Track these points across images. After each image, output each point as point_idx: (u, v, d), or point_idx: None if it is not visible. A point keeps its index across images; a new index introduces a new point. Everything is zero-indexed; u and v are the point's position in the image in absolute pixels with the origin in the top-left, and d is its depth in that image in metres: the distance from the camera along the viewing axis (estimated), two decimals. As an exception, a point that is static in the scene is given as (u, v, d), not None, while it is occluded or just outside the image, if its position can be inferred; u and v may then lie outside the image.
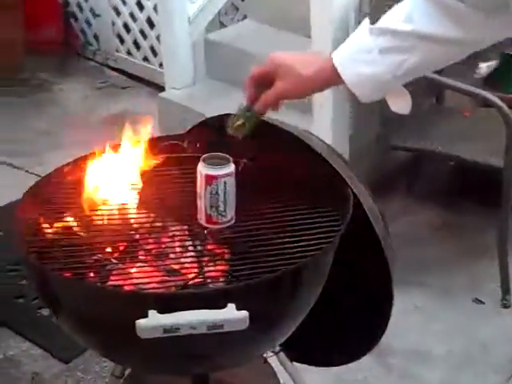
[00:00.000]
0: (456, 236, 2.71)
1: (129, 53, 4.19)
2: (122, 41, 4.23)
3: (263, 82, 1.34)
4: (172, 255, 1.38)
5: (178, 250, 1.40)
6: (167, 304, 1.12)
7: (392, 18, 1.24)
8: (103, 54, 4.37)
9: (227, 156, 1.36)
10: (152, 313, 1.08)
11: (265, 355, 1.68)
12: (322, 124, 2.54)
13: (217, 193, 1.34)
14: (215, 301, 1.12)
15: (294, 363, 1.69)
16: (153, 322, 1.07)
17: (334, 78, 1.26)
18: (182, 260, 1.36)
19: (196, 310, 1.09)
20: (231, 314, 1.09)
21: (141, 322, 1.07)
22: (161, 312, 1.09)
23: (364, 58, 1.23)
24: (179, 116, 3.14)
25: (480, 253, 2.62)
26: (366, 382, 2.12)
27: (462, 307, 2.41)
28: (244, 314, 1.09)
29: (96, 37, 4.38)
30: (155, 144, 1.57)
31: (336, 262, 1.38)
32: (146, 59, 4.08)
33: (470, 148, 2.51)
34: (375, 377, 2.14)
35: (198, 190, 1.37)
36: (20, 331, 2.31)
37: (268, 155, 1.50)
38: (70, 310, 1.26)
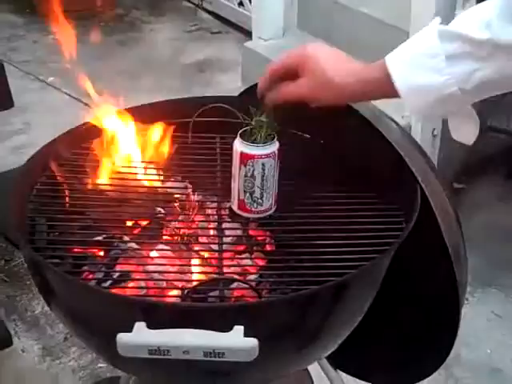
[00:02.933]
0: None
1: (225, -4, 3.98)
2: (219, -17, 4.03)
3: (286, 77, 1.09)
4: (202, 239, 1.18)
5: (211, 233, 1.19)
6: (160, 316, 0.90)
7: (467, 22, 0.96)
8: (199, -6, 4.18)
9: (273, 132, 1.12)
10: (139, 326, 0.87)
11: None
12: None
13: (252, 175, 1.11)
14: (220, 320, 0.89)
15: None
16: (136, 338, 0.85)
17: (382, 85, 1.01)
18: (212, 247, 1.15)
19: (193, 330, 0.86)
20: (236, 341, 0.86)
21: (122, 338, 0.85)
22: (150, 326, 0.87)
23: (426, 63, 0.97)
24: (263, 69, 2.89)
25: None
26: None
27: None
28: (252, 342, 0.86)
29: (194, -23, 4.19)
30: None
31: (399, 271, 1.13)
32: (241, 4, 3.85)
33: None
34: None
35: (233, 169, 1.14)
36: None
37: (334, 137, 1.27)
38: (57, 302, 1.06)
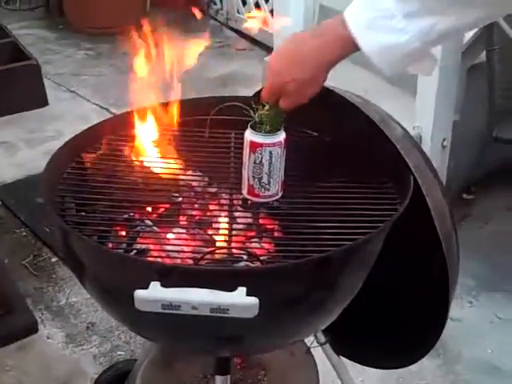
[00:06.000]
0: None
1: (249, 15, 4.12)
2: (244, 2, 4.17)
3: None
4: (215, 225, 1.29)
5: (223, 220, 1.30)
6: (172, 278, 1.02)
7: None
8: (225, 13, 4.33)
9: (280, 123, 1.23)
10: (154, 285, 0.99)
11: (308, 344, 1.57)
12: (425, 104, 2.34)
13: (261, 162, 1.22)
14: (226, 282, 1.01)
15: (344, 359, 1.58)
16: (152, 294, 0.97)
17: (348, 46, 1.08)
18: (223, 232, 1.26)
19: (201, 289, 0.98)
20: (239, 299, 0.97)
21: (139, 293, 0.97)
22: (165, 286, 0.99)
23: (386, 24, 1.03)
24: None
25: None
26: (425, 389, 1.96)
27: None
28: (253, 300, 0.97)
29: (221, -4, 4.34)
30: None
31: (396, 258, 1.23)
32: (265, 22, 3.98)
33: None
34: (437, 384, 1.97)
35: (244, 157, 1.25)
36: (85, 280, 2.30)
37: (340, 136, 1.39)
38: (84, 270, 1.18)
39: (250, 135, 1.22)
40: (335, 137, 1.43)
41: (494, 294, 2.25)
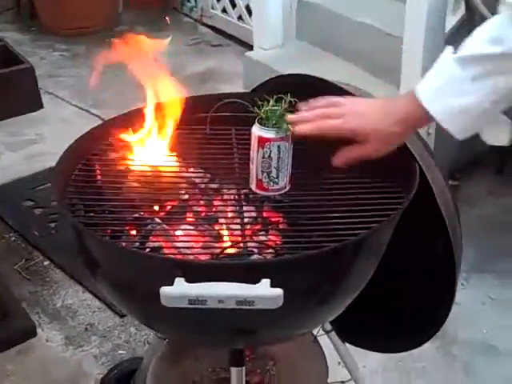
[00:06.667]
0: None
1: (224, 11, 4.13)
2: (218, -2, 4.18)
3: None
4: (222, 220, 1.31)
5: (229, 215, 1.32)
6: (197, 273, 1.04)
7: (477, 43, 1.10)
8: (199, 10, 4.33)
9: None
10: (179, 281, 1.00)
11: (315, 333, 1.59)
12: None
13: (269, 157, 1.24)
14: (249, 274, 1.03)
15: (348, 345, 1.61)
16: (178, 290, 0.99)
17: (423, 118, 1.14)
18: (232, 226, 1.28)
19: (226, 283, 1.00)
20: (264, 291, 0.99)
21: (165, 290, 0.99)
22: (189, 281, 1.01)
23: (454, 89, 1.09)
24: (265, 77, 3.03)
25: None
26: (424, 370, 2.00)
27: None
28: (278, 291, 0.99)
29: (194, -7, 4.34)
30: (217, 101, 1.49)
31: (399, 244, 1.26)
32: (240, 18, 4.01)
33: None
34: (435, 366, 2.01)
35: (251, 152, 1.27)
36: (81, 281, 2.30)
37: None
38: (101, 269, 1.20)
39: (257, 130, 1.24)
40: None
41: (484, 275, 2.31)
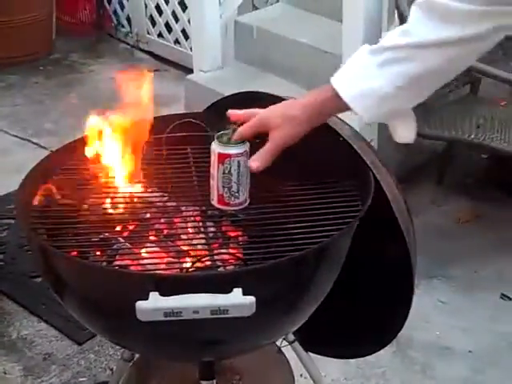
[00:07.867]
0: (485, 229, 2.63)
1: (160, 35, 4.15)
2: (153, 23, 4.20)
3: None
4: (184, 236, 1.34)
5: (190, 231, 1.35)
6: (170, 286, 1.06)
7: (389, 37, 1.20)
8: (135, 36, 4.34)
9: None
10: (153, 295, 1.03)
11: (279, 344, 1.63)
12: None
13: (230, 172, 1.28)
14: (221, 285, 1.06)
15: (310, 354, 1.64)
16: (153, 304, 1.02)
17: (333, 100, 1.21)
18: (194, 242, 1.31)
19: (200, 294, 1.03)
20: (237, 299, 1.03)
21: (141, 304, 1.02)
22: (163, 295, 1.03)
23: (362, 73, 1.19)
24: (206, 99, 3.06)
25: (509, 247, 2.54)
26: (384, 375, 2.05)
27: (488, 303, 2.32)
28: (250, 299, 1.03)
29: (128, 19, 4.35)
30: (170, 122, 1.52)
31: (356, 252, 1.31)
32: (177, 42, 4.04)
33: (504, 138, 2.42)
34: (394, 370, 2.07)
35: (211, 169, 1.31)
36: (35, 311, 2.28)
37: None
38: (71, 290, 1.21)
39: (217, 147, 1.28)
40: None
41: (433, 280, 2.39)
